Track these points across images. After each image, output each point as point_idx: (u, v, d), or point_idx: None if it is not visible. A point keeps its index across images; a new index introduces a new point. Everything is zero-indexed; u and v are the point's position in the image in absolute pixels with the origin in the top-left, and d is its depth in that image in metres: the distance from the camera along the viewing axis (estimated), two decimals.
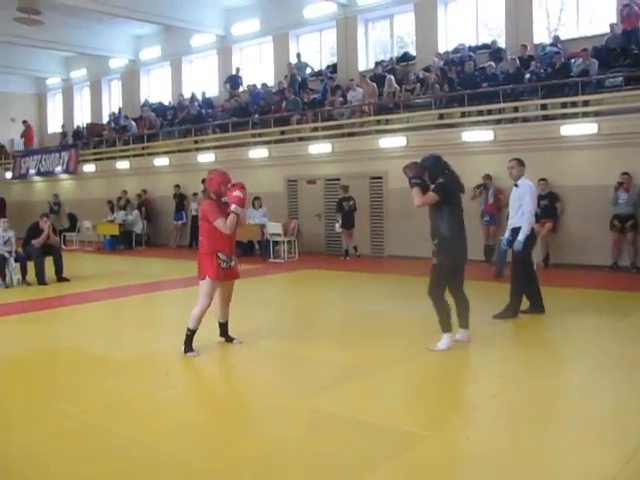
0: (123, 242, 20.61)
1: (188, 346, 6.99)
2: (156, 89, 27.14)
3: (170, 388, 6.02)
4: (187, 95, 23.71)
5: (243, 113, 20.31)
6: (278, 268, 14.83)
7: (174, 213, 20.68)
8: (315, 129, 18.10)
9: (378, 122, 17.00)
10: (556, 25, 17.34)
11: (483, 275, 11.81)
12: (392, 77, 17.55)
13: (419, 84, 16.95)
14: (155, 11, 21.19)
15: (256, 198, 16.95)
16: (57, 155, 25.93)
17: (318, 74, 21.00)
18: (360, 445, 4.56)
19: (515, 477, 4.09)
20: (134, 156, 23.11)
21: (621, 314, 8.78)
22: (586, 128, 13.33)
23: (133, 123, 24.66)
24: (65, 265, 13.37)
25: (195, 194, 19.80)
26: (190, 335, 7.01)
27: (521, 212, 8.36)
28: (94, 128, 27.32)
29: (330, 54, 21.81)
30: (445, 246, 6.96)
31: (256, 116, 19.97)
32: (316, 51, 22.12)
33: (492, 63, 15.78)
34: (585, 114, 13.61)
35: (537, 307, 8.73)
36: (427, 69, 17.40)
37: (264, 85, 21.38)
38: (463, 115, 15.48)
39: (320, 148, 17.44)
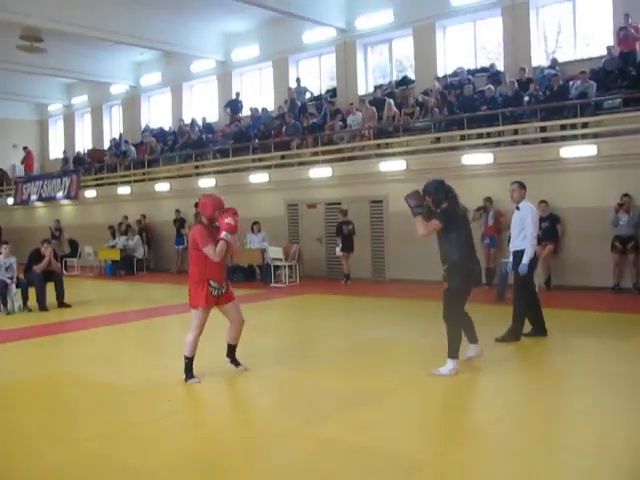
0: (124, 267, 20.59)
1: (189, 373, 6.94)
2: (157, 114, 27.29)
3: (172, 414, 5.99)
4: (187, 120, 23.83)
5: (243, 138, 20.40)
6: (279, 293, 14.80)
7: (175, 238, 20.69)
8: (315, 153, 18.15)
9: (378, 146, 17.06)
10: (554, 48, 17.48)
11: (484, 298, 11.77)
12: (391, 101, 17.64)
13: (418, 108, 17.03)
14: (155, 37, 21.36)
15: (255, 223, 16.95)
16: (58, 181, 26.00)
17: (317, 98, 21.12)
18: (364, 472, 4.53)
19: None
20: (135, 181, 23.17)
21: (624, 336, 8.75)
22: (585, 150, 13.37)
23: (133, 148, 24.77)
24: (66, 291, 13.38)
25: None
26: (188, 363, 6.96)
27: (523, 235, 8.37)
28: (95, 154, 27.42)
29: (330, 78, 21.94)
30: (454, 270, 6.94)
31: (256, 141, 20.06)
32: (316, 76, 22.26)
33: (491, 86, 15.87)
34: (584, 136, 13.67)
35: (539, 330, 8.70)
36: (426, 93, 17.49)
37: (264, 110, 21.50)
38: (463, 138, 15.53)
39: (320, 172, 17.49)
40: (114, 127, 29.34)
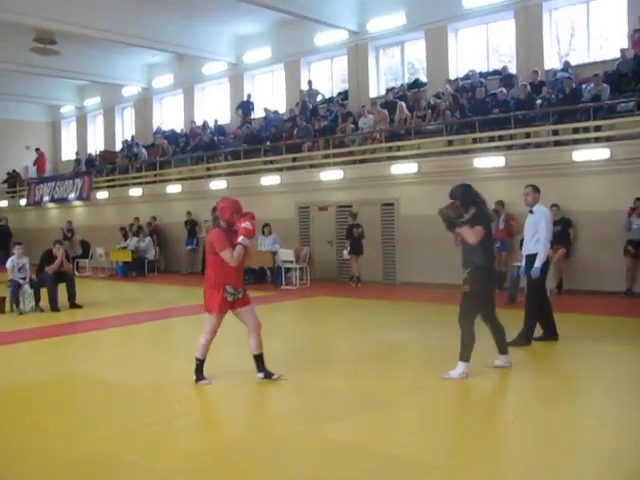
0: (135, 269, 20.65)
1: (199, 375, 6.92)
2: (169, 116, 27.40)
3: (183, 415, 6.00)
4: (199, 122, 23.88)
5: (255, 140, 20.43)
6: (290, 295, 14.80)
7: (186, 239, 20.76)
8: (327, 156, 18.15)
9: (389, 149, 17.05)
10: (567, 50, 17.41)
11: (495, 301, 11.71)
12: (403, 104, 17.62)
13: (430, 110, 17.00)
14: (168, 40, 21.43)
15: (265, 225, 16.95)
16: (71, 182, 26.14)
17: (329, 101, 21.13)
18: (372, 475, 4.51)
19: None
20: (146, 183, 23.25)
21: (636, 341, 8.70)
22: (598, 153, 13.31)
23: (144, 150, 24.85)
24: (78, 292, 13.43)
25: (206, 221, 19.87)
26: (200, 364, 6.93)
27: (536, 239, 8.34)
28: (107, 155, 27.53)
29: (341, 81, 21.96)
30: (479, 275, 6.91)
31: (268, 143, 20.08)
32: (327, 78, 22.29)
33: (503, 89, 15.82)
34: (597, 139, 13.60)
35: (550, 334, 8.66)
36: (438, 95, 17.47)
37: (276, 112, 21.53)
38: (474, 141, 15.49)
39: (332, 175, 17.49)
40: (126, 129, 29.48)
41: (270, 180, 18.81)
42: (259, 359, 6.98)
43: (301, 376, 7.23)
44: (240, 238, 6.58)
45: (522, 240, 11.69)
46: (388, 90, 19.30)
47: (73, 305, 13.24)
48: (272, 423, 5.96)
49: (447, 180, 14.95)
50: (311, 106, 20.46)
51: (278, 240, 17.03)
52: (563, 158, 13.68)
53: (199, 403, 6.49)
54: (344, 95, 20.96)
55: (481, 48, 18.74)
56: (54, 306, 12.87)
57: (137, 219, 22.09)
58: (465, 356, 6.91)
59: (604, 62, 15.69)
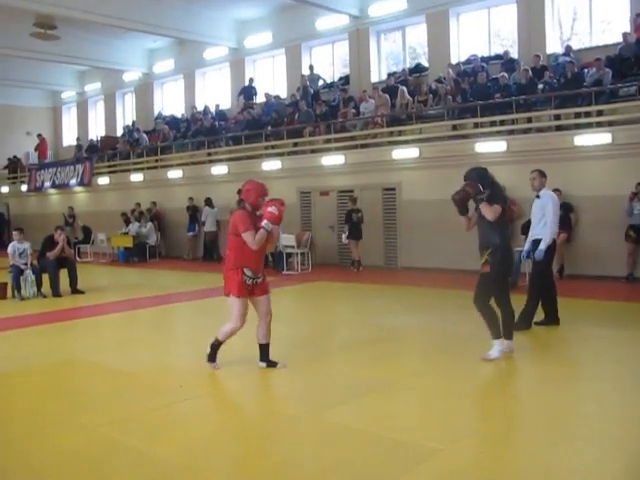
0: (137, 254, 20.66)
1: (212, 356, 6.81)
2: (169, 102, 27.33)
3: (185, 401, 6.02)
4: (200, 107, 23.83)
5: (256, 125, 20.39)
6: (291, 280, 14.83)
7: (187, 225, 20.77)
8: (328, 141, 18.12)
9: (391, 133, 17.01)
10: (569, 35, 17.32)
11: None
12: (404, 88, 17.57)
13: (432, 95, 16.95)
14: (168, 25, 21.35)
15: None
16: (72, 168, 26.12)
17: (330, 86, 21.07)
18: (374, 459, 4.55)
19: None
20: (148, 169, 23.22)
21: (638, 326, 8.71)
22: (600, 138, 13.27)
23: (145, 136, 24.80)
24: (79, 277, 13.45)
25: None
26: (216, 346, 6.79)
27: (543, 222, 8.34)
28: (108, 141, 27.52)
29: (342, 66, 21.89)
30: (500, 255, 6.92)
31: (269, 128, 20.04)
32: (328, 63, 22.21)
33: (505, 74, 15.76)
34: (599, 124, 13.55)
35: (552, 319, 8.67)
36: (440, 80, 17.40)
37: (277, 97, 21.48)
38: (476, 126, 15.45)
39: (333, 160, 17.47)
40: (127, 114, 29.44)
41: (271, 165, 18.78)
42: (265, 348, 6.88)
43: (303, 361, 7.25)
44: (264, 222, 6.41)
45: (524, 225, 11.75)
46: (389, 75, 19.25)
47: (75, 291, 13.27)
48: (274, 408, 5.99)
49: (449, 165, 15.02)
50: (312, 91, 20.38)
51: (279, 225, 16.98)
52: (565, 143, 13.65)
53: (201, 388, 6.51)
54: (345, 80, 20.89)
55: (483, 32, 18.65)
56: (56, 292, 12.91)
57: (138, 204, 22.08)
58: (496, 334, 6.96)
59: (606, 46, 15.62)
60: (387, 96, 17.57)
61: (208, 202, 20.12)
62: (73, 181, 25.82)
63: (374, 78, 20.16)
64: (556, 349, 7.84)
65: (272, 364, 6.87)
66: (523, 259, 9.08)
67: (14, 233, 13.25)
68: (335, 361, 7.34)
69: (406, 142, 16.34)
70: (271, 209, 6.43)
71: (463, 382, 6.41)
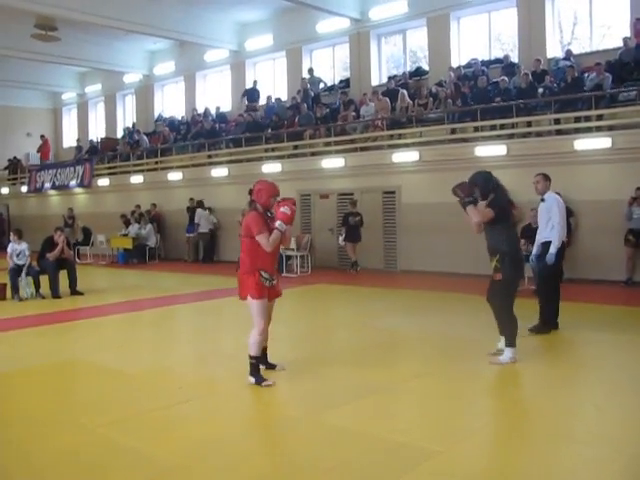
0: (136, 256, 20.65)
1: (258, 376, 6.43)
2: (170, 104, 27.34)
3: (183, 402, 6.02)
4: (201, 110, 23.85)
5: (256, 128, 20.40)
6: (291, 283, 14.80)
7: (187, 226, 20.77)
8: (328, 144, 18.14)
9: (391, 137, 17.02)
10: (569, 39, 17.35)
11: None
12: (405, 92, 17.60)
13: (432, 99, 16.98)
14: (169, 27, 21.38)
15: None
16: (72, 169, 26.13)
17: (331, 89, 21.09)
18: (374, 460, 4.55)
19: None
20: (148, 170, 23.23)
21: (636, 330, 8.71)
22: (600, 142, 13.29)
23: (145, 137, 24.83)
24: (79, 279, 13.45)
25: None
26: (256, 364, 6.44)
27: (550, 225, 8.36)
28: (108, 142, 27.55)
29: (343, 69, 21.91)
30: (508, 260, 6.95)
31: (269, 131, 20.06)
32: (329, 66, 22.23)
33: (505, 78, 15.78)
34: (599, 128, 13.58)
35: (549, 323, 8.67)
36: (440, 84, 17.43)
37: (277, 100, 21.51)
38: (476, 130, 15.48)
39: (333, 162, 17.48)
40: (127, 116, 29.45)
41: (271, 168, 18.79)
42: (264, 351, 6.82)
43: (303, 363, 7.26)
44: (277, 223, 6.30)
45: (523, 228, 11.74)
46: (390, 78, 19.27)
47: (74, 292, 13.26)
48: (274, 409, 6.00)
49: (448, 168, 15.03)
50: (313, 94, 20.41)
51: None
52: (565, 147, 13.67)
53: (200, 390, 6.51)
54: (346, 83, 20.91)
55: (483, 36, 18.68)
56: (55, 293, 12.90)
57: (138, 206, 22.08)
58: (511, 342, 6.99)
59: (606, 51, 15.65)
60: (387, 99, 17.58)
61: (200, 204, 20.18)
62: (73, 182, 25.82)
63: (374, 81, 20.17)
64: (555, 353, 7.84)
65: (271, 366, 6.84)
66: (532, 263, 9.09)
67: (11, 234, 13.26)
68: (334, 363, 7.33)
69: (406, 145, 16.35)
70: (284, 209, 6.34)
71: (463, 384, 6.42)
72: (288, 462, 4.64)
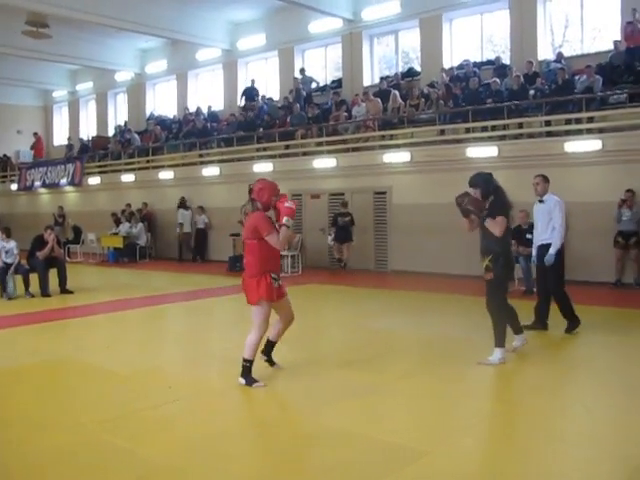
0: (127, 255, 20.60)
1: (249, 377, 6.36)
2: (162, 102, 27.28)
3: (173, 402, 6.01)
4: (192, 109, 23.80)
5: (248, 127, 20.38)
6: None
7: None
8: (320, 144, 18.14)
9: (382, 137, 17.05)
10: (560, 41, 17.41)
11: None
12: (397, 92, 17.62)
13: (423, 99, 17.00)
14: (161, 25, 21.32)
15: None
16: (62, 167, 26.03)
17: (323, 89, 21.09)
18: (361, 460, 4.56)
19: None
20: (139, 169, 23.18)
21: (625, 331, 8.77)
22: (590, 145, 13.35)
23: (136, 136, 24.78)
24: (69, 277, 13.40)
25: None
26: (249, 367, 6.36)
27: (551, 227, 8.40)
28: (99, 141, 27.44)
29: (335, 69, 21.92)
30: (502, 261, 7.01)
31: (261, 130, 20.05)
32: (321, 66, 22.23)
33: (497, 79, 15.83)
34: (589, 131, 13.64)
35: (540, 324, 8.71)
36: (432, 85, 17.46)
37: (270, 99, 21.49)
38: (467, 131, 15.52)
39: (324, 163, 17.49)
40: (119, 114, 29.35)
41: (263, 167, 18.78)
42: (272, 346, 6.85)
43: (292, 362, 7.26)
44: (284, 219, 6.22)
45: (513, 229, 11.74)
46: (382, 79, 19.27)
47: (64, 291, 13.22)
48: (261, 409, 6.00)
49: (440, 169, 15.10)
50: (305, 94, 20.41)
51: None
52: (555, 149, 13.72)
53: (190, 389, 6.50)
54: (338, 83, 20.91)
55: (475, 38, 18.72)
56: (45, 291, 12.85)
57: (129, 205, 22.05)
58: (500, 342, 7.05)
59: (597, 54, 15.71)
60: (378, 100, 17.60)
61: (182, 204, 20.18)
62: (64, 181, 25.73)
63: (367, 82, 20.18)
64: (544, 354, 7.86)
65: (272, 362, 6.87)
66: (533, 264, 9.12)
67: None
68: (323, 363, 7.34)
69: (397, 146, 16.37)
70: (288, 204, 6.27)
71: (452, 385, 6.43)
72: (277, 462, 4.64)
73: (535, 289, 9.52)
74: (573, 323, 8.62)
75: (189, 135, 22.15)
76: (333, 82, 21.27)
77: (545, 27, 17.14)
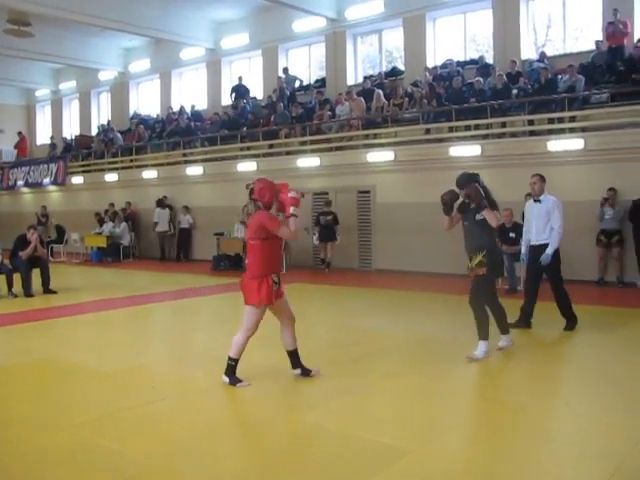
0: (111, 254, 20.52)
1: (233, 377, 6.36)
2: (145, 102, 27.16)
3: (157, 401, 6.00)
4: (176, 108, 23.71)
5: (232, 126, 20.35)
6: None
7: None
8: (303, 143, 18.15)
9: (366, 136, 17.07)
10: (543, 41, 17.51)
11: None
12: (380, 91, 17.65)
13: (407, 99, 17.04)
14: (145, 24, 21.21)
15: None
16: (45, 167, 25.87)
17: (306, 88, 21.09)
18: (346, 459, 4.58)
19: None
20: (122, 168, 23.07)
21: (608, 329, 8.83)
22: (572, 144, 13.45)
23: (119, 135, 24.68)
24: (52, 277, 13.32)
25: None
26: (234, 365, 6.35)
27: (549, 227, 8.44)
28: (83, 140, 27.25)
29: (319, 68, 21.91)
30: (491, 257, 7.11)
31: (245, 129, 20.02)
32: (305, 65, 22.22)
33: (480, 78, 15.90)
34: (572, 130, 13.73)
35: (524, 322, 8.77)
36: (415, 84, 17.51)
37: (253, 99, 21.46)
38: (451, 130, 15.58)
39: (308, 162, 17.50)
40: (102, 113, 29.18)
41: (247, 166, 18.76)
42: (295, 355, 6.64)
43: (277, 362, 7.25)
44: (291, 209, 6.19)
45: (503, 228, 11.79)
46: (366, 78, 19.29)
47: (47, 291, 13.14)
48: (247, 408, 6.00)
49: (423, 168, 15.14)
50: (288, 93, 20.40)
51: None
52: (538, 148, 13.80)
53: (174, 388, 6.49)
54: (321, 82, 20.91)
55: (458, 37, 18.78)
56: (28, 292, 12.77)
57: (112, 205, 21.96)
58: (484, 335, 7.13)
59: (579, 54, 15.82)
60: (361, 99, 17.63)
61: (159, 203, 20.16)
62: (47, 180, 25.58)
63: (350, 81, 20.19)
64: (529, 353, 7.90)
65: (307, 371, 6.64)
66: (522, 263, 9.18)
67: None
68: (308, 362, 7.33)
69: (381, 145, 16.41)
70: (292, 194, 6.24)
71: (437, 384, 6.47)
72: (261, 461, 4.66)
73: (520, 288, 9.58)
74: (572, 322, 8.70)
75: (172, 134, 22.06)
76: (317, 81, 21.26)
77: (528, 27, 17.23)
